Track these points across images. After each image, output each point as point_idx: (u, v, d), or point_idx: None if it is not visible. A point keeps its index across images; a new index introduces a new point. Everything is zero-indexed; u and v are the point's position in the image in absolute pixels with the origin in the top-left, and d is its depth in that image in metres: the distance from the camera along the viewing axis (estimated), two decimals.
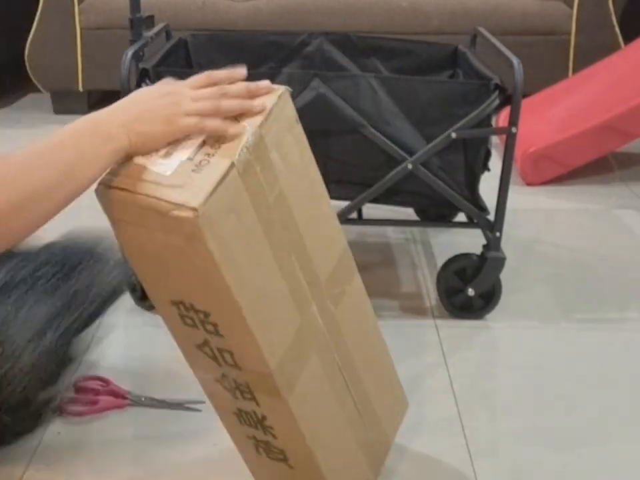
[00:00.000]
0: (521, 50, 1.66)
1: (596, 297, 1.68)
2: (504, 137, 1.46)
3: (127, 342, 1.49)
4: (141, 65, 1.50)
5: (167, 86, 0.89)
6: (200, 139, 0.85)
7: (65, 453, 1.17)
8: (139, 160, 0.83)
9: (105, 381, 1.32)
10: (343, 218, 1.53)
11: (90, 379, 1.33)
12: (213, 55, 1.76)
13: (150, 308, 1.57)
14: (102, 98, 2.99)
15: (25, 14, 2.86)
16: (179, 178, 0.80)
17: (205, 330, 0.88)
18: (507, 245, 1.56)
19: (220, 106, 0.85)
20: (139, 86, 1.48)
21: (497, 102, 1.45)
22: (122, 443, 1.20)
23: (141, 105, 0.85)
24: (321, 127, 1.44)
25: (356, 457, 1.06)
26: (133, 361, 1.43)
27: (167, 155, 0.83)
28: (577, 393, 1.36)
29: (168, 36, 1.75)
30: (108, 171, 0.82)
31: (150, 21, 1.68)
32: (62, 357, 1.13)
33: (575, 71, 2.78)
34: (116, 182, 0.81)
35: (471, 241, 1.63)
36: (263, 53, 1.76)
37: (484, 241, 1.54)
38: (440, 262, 1.62)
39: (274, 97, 0.89)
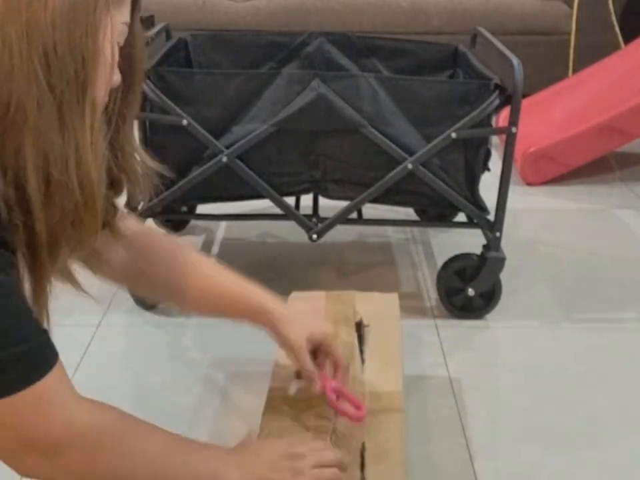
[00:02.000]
0: (520, 50, 1.66)
1: (596, 297, 1.68)
2: (504, 137, 1.46)
3: (126, 341, 1.49)
4: None
5: (293, 446, 0.92)
6: None
7: None
8: None
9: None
10: (343, 218, 1.53)
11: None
12: (213, 55, 1.76)
13: (150, 308, 1.57)
14: None
15: None
16: None
17: None
18: (507, 245, 1.56)
19: None
20: None
21: (497, 102, 1.45)
22: None
23: (261, 465, 0.88)
24: (321, 127, 1.44)
25: None
26: (132, 361, 1.43)
27: None
28: (576, 392, 1.36)
29: (168, 36, 1.75)
30: None
31: (150, 21, 1.68)
32: None
33: (575, 71, 2.78)
34: None
35: (471, 241, 1.63)
36: (263, 53, 1.76)
37: (484, 241, 1.54)
38: (440, 262, 1.62)
39: None
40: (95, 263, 0.91)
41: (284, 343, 1.03)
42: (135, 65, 0.82)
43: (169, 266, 1.01)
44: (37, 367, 0.73)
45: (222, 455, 0.88)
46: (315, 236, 1.52)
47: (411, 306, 1.62)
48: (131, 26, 0.79)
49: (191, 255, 1.04)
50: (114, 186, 0.83)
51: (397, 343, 1.19)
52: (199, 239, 1.91)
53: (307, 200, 1.68)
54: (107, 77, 0.74)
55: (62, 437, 0.74)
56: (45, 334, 0.75)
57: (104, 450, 0.78)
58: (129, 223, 0.98)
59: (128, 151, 0.84)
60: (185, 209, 1.82)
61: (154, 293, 1.14)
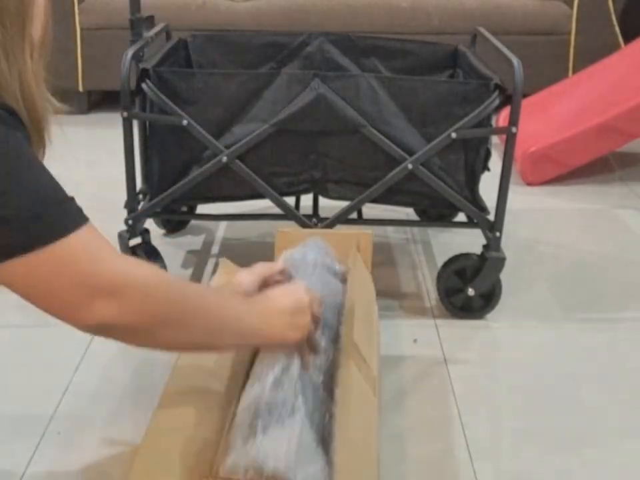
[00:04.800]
0: (520, 50, 1.66)
1: (596, 297, 1.68)
2: (504, 137, 1.46)
3: None
4: (141, 65, 1.50)
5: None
6: None
7: (64, 453, 1.17)
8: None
9: None
10: (343, 218, 1.53)
11: None
12: (213, 56, 1.76)
13: None
14: (102, 98, 2.99)
15: None
16: None
17: None
18: (507, 245, 1.56)
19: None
20: (138, 86, 1.48)
21: (497, 102, 1.45)
22: (121, 442, 1.20)
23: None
24: (321, 127, 1.44)
25: None
26: (132, 361, 1.43)
27: None
28: (577, 393, 1.36)
29: (168, 36, 1.75)
30: None
31: (150, 21, 1.68)
32: None
33: (575, 70, 2.78)
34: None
35: (471, 241, 1.63)
36: (263, 53, 1.76)
37: (484, 241, 1.54)
38: (440, 262, 1.62)
39: None
40: None
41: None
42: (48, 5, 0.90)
43: None
44: (79, 215, 0.78)
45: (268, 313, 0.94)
46: None
47: (411, 306, 1.62)
48: None
49: None
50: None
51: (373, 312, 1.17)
52: (199, 239, 1.91)
53: (307, 200, 1.68)
54: (41, 13, 0.87)
55: (122, 276, 0.78)
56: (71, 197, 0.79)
57: (163, 292, 0.83)
58: None
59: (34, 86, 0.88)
60: (185, 208, 1.82)
61: None
